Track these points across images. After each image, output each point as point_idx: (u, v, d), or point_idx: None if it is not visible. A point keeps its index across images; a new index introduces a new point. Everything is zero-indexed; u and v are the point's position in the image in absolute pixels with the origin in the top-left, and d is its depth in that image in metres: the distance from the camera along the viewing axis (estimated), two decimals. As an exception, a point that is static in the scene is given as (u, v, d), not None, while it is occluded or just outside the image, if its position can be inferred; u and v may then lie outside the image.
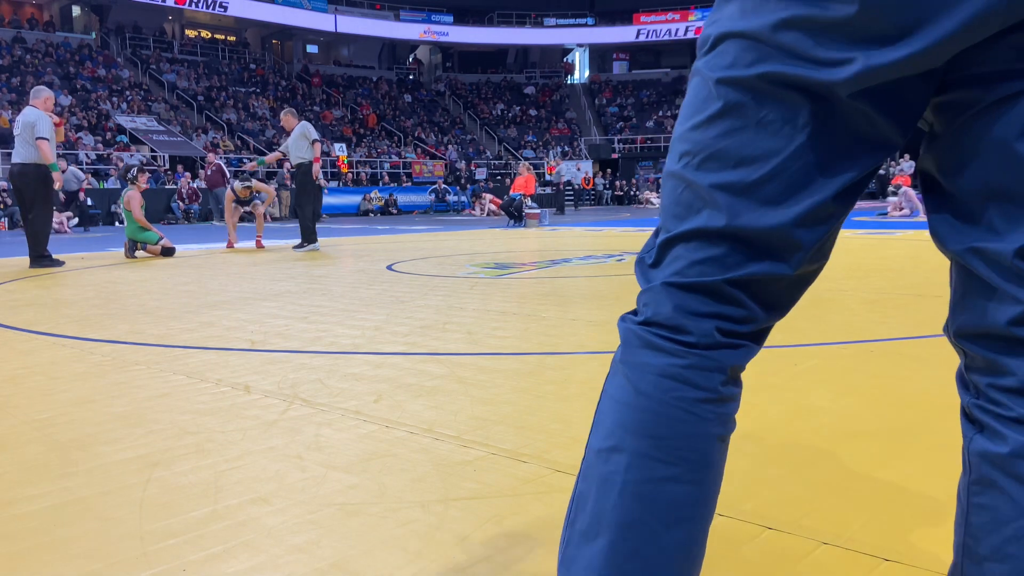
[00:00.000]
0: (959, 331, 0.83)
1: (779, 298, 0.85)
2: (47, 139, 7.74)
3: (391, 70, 37.16)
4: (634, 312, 0.91)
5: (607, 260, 7.62)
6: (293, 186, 10.11)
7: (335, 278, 6.49)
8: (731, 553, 1.44)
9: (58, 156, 8.14)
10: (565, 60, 40.75)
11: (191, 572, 1.41)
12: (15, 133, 7.99)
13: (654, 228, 0.91)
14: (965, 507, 0.82)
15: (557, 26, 37.73)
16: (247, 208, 10.83)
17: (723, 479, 0.89)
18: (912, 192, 15.00)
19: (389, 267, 7.34)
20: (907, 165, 20.15)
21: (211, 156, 20.64)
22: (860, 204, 15.63)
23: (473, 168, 29.81)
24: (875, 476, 1.80)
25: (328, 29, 33.74)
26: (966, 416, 0.83)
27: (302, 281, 6.25)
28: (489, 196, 23.36)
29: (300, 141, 9.54)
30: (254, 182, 10.81)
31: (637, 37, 37.03)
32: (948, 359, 0.87)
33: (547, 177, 26.85)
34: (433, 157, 30.38)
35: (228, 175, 19.89)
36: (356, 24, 34.27)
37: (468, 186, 27.54)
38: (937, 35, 0.71)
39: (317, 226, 9.94)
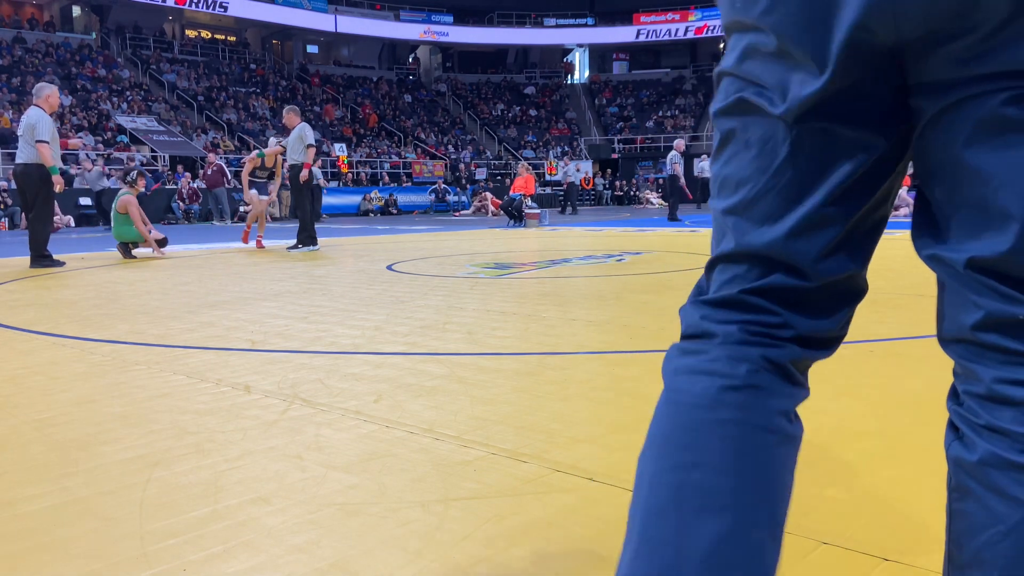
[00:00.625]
0: (941, 336, 0.85)
1: (814, 305, 0.85)
2: (47, 142, 7.78)
3: (391, 70, 37.17)
4: None
5: (607, 260, 7.62)
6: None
7: (335, 278, 6.49)
8: (731, 553, 1.44)
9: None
10: (565, 60, 40.74)
11: (191, 572, 1.41)
12: (18, 133, 8.09)
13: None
14: (948, 513, 0.83)
15: (557, 26, 37.71)
16: (262, 181, 10.74)
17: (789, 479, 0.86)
18: (903, 192, 15.01)
19: (389, 267, 7.34)
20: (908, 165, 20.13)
21: (211, 156, 20.65)
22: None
23: (473, 168, 29.81)
24: (875, 476, 1.80)
25: (328, 29, 33.74)
26: (950, 423, 0.84)
27: (302, 281, 6.25)
28: (490, 196, 23.36)
29: (296, 143, 9.56)
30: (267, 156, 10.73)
31: (637, 37, 37.02)
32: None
33: (547, 177, 26.88)
34: (433, 157, 30.38)
35: (228, 175, 19.90)
36: (356, 24, 34.27)
37: (468, 186, 27.55)
38: (835, 54, 0.75)
39: (317, 226, 9.94)
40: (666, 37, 36.71)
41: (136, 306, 4.94)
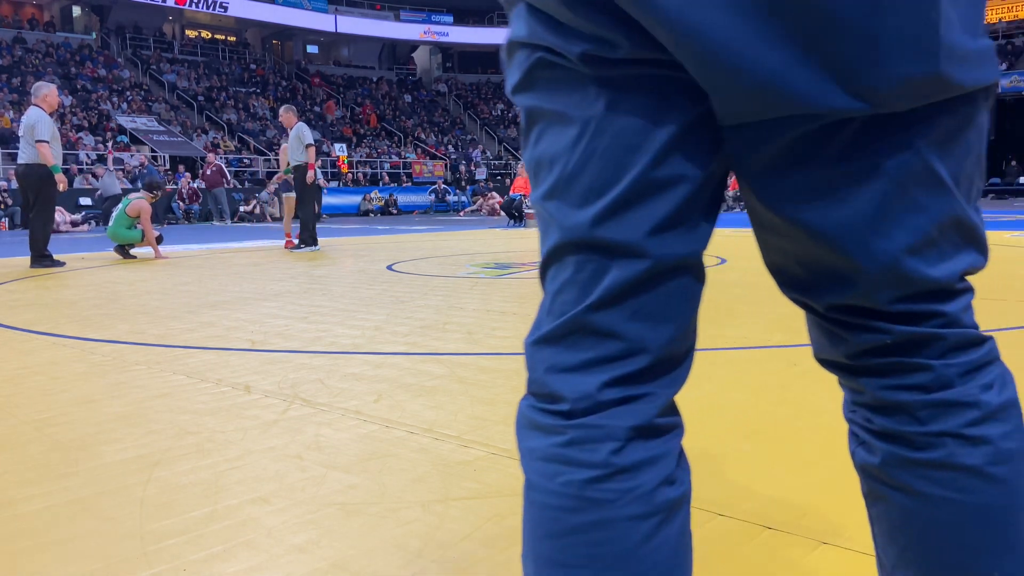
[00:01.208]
0: (815, 356, 0.85)
1: (659, 310, 0.71)
2: (47, 142, 7.81)
3: (391, 70, 37.17)
4: None
5: (607, 260, 7.61)
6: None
7: (335, 278, 6.49)
8: (731, 553, 1.44)
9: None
10: (565, 60, 40.70)
11: (191, 572, 1.41)
12: (19, 134, 8.14)
13: None
14: (870, 521, 0.83)
15: (557, 26, 37.68)
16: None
17: (692, 547, 0.75)
18: None
19: (389, 267, 7.34)
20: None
21: (211, 156, 20.65)
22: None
23: (473, 168, 29.81)
24: (875, 476, 1.80)
25: (328, 29, 33.74)
26: (851, 431, 0.85)
27: (302, 281, 6.25)
28: (496, 196, 23.35)
29: (295, 144, 9.58)
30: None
31: (637, 37, 36.99)
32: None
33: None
34: (433, 157, 30.38)
35: (228, 175, 19.90)
36: (356, 24, 34.26)
37: (467, 186, 27.55)
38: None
39: (317, 226, 9.95)
40: (666, 37, 36.67)
41: (136, 306, 4.94)
